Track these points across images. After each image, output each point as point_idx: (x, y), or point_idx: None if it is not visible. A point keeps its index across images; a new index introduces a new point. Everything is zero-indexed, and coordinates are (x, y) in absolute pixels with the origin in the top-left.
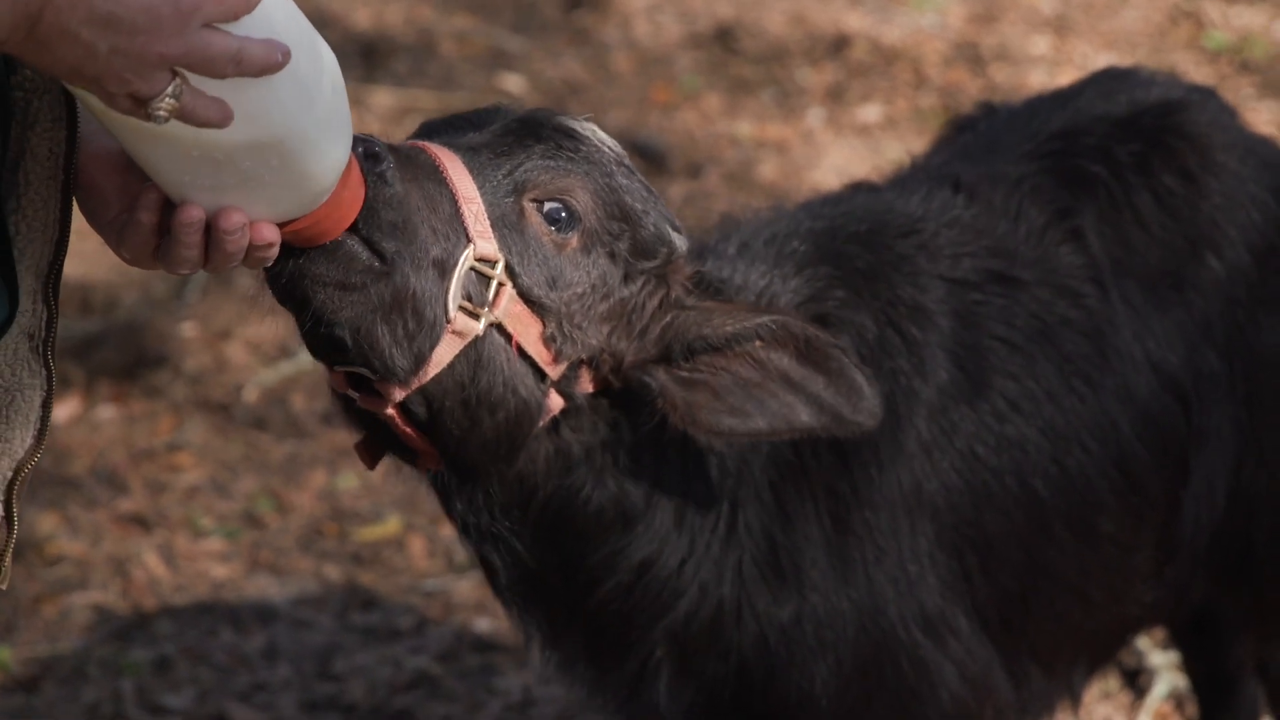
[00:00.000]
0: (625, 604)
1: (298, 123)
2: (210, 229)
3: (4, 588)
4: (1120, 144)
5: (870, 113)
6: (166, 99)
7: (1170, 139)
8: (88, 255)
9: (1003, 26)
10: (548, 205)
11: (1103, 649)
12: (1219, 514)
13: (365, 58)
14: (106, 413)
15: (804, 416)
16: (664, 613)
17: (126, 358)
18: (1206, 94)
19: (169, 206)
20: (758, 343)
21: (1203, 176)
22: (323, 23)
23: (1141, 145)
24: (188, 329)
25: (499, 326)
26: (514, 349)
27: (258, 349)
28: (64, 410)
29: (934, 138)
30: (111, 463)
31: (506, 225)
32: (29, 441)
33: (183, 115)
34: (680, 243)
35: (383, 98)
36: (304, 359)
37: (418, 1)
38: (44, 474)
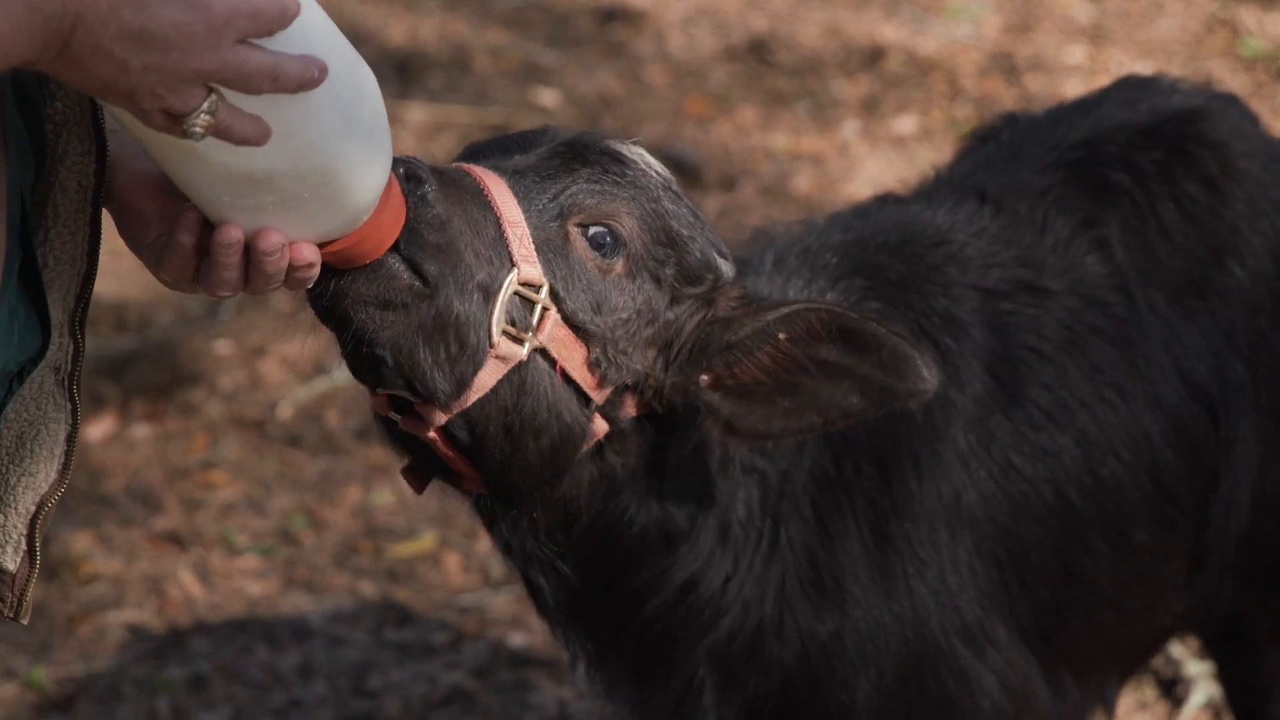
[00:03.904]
0: (669, 623)
1: (336, 141)
2: (249, 250)
3: (25, 622)
4: (1142, 152)
5: (905, 124)
6: (202, 115)
7: (1192, 146)
8: (122, 274)
9: (1038, 36)
10: (593, 230)
11: (1135, 659)
12: (1245, 522)
13: (400, 73)
14: (141, 431)
15: (855, 400)
16: (707, 631)
17: (161, 376)
18: (1228, 101)
19: (208, 228)
20: (783, 335)
21: (1225, 183)
22: (358, 39)
23: (1163, 153)
24: (222, 347)
25: (543, 351)
26: (558, 374)
27: (292, 366)
28: (99, 429)
29: (958, 148)
30: (146, 481)
31: (551, 249)
32: (53, 476)
33: (219, 132)
34: (727, 269)
35: (417, 113)
36: (338, 376)
37: (452, 17)
38: (79, 493)
